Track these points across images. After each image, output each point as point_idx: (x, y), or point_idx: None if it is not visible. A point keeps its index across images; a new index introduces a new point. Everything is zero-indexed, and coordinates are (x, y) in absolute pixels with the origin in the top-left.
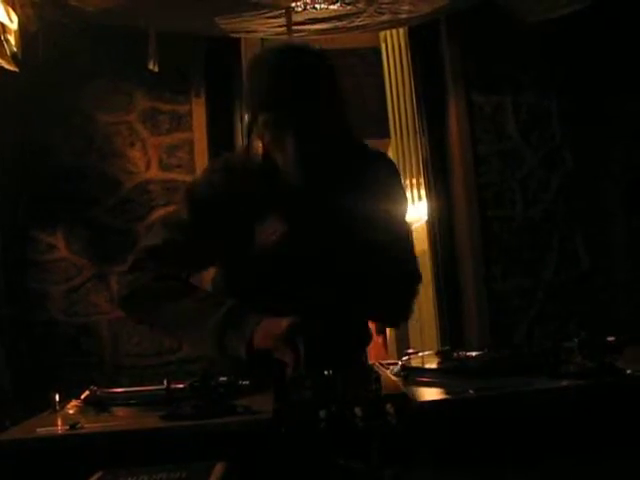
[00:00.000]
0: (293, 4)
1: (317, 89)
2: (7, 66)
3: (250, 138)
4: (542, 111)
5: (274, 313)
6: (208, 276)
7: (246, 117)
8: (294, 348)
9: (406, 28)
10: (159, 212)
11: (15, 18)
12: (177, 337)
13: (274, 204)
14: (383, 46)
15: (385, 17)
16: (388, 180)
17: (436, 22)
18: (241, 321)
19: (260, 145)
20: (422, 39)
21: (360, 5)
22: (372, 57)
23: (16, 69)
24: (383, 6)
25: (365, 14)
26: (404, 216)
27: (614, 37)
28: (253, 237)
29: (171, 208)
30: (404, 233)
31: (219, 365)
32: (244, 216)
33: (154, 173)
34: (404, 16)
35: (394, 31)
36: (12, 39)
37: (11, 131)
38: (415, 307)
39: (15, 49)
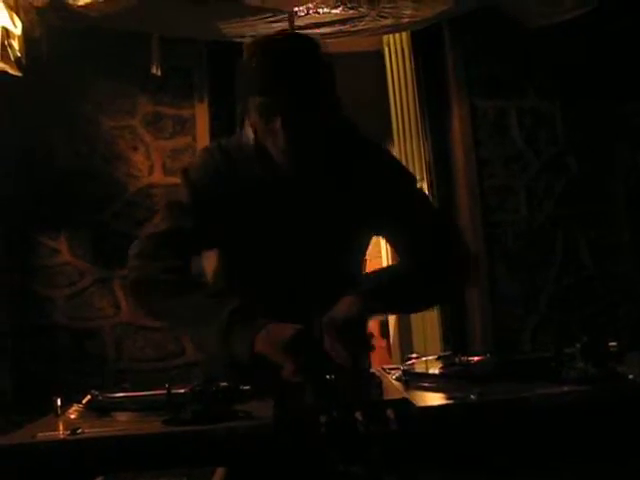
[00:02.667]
0: (296, 8)
1: (310, 75)
2: (11, 71)
3: (242, 123)
4: (546, 115)
5: (274, 308)
6: (209, 268)
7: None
8: (295, 359)
9: (409, 32)
10: None
11: (19, 23)
12: (183, 332)
13: (266, 190)
14: (386, 50)
15: (387, 21)
16: (383, 167)
17: (439, 26)
18: (247, 322)
19: (252, 131)
20: (425, 43)
21: (362, 9)
22: (375, 61)
23: (20, 74)
24: (385, 10)
25: (367, 18)
26: (413, 188)
27: (617, 41)
28: (250, 221)
29: None
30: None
31: (214, 370)
32: (240, 200)
33: (157, 177)
34: (406, 20)
35: (397, 35)
36: (16, 44)
37: (15, 135)
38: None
39: (19, 54)
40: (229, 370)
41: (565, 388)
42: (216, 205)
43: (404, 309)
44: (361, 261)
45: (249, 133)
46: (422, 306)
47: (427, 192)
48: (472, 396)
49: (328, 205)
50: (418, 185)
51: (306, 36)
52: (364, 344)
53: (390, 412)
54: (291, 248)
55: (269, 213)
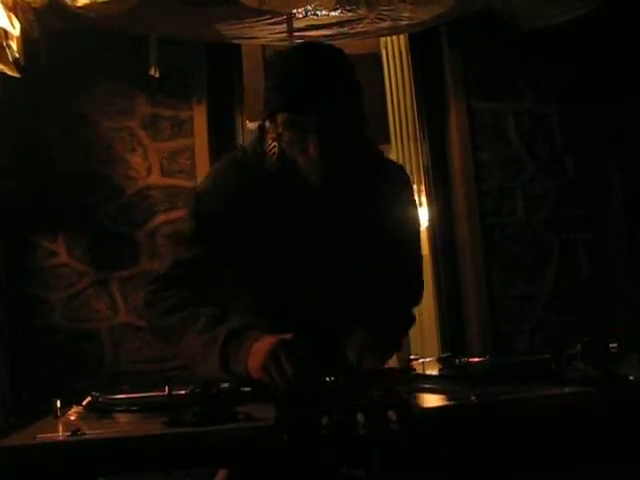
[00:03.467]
0: (294, 10)
1: (344, 92)
2: (9, 72)
3: (264, 136)
4: (543, 118)
5: (282, 320)
6: None
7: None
8: (278, 366)
9: (407, 35)
10: (160, 218)
11: (17, 24)
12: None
13: (290, 204)
14: (384, 52)
15: (386, 24)
16: (403, 195)
17: (437, 29)
18: (239, 346)
19: (274, 144)
20: (423, 45)
21: (361, 12)
22: (372, 63)
23: (18, 75)
24: (384, 13)
25: (366, 20)
26: (416, 232)
27: (615, 44)
28: (268, 237)
29: (172, 214)
30: (413, 250)
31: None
32: (258, 216)
33: (155, 179)
34: (405, 23)
35: (395, 37)
36: (14, 45)
37: (12, 136)
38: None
39: (17, 55)
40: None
41: (566, 389)
42: (228, 230)
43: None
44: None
45: (270, 145)
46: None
47: (424, 197)
48: (473, 397)
49: (350, 218)
50: (417, 228)
51: (337, 48)
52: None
53: (391, 413)
54: (312, 259)
55: (291, 225)
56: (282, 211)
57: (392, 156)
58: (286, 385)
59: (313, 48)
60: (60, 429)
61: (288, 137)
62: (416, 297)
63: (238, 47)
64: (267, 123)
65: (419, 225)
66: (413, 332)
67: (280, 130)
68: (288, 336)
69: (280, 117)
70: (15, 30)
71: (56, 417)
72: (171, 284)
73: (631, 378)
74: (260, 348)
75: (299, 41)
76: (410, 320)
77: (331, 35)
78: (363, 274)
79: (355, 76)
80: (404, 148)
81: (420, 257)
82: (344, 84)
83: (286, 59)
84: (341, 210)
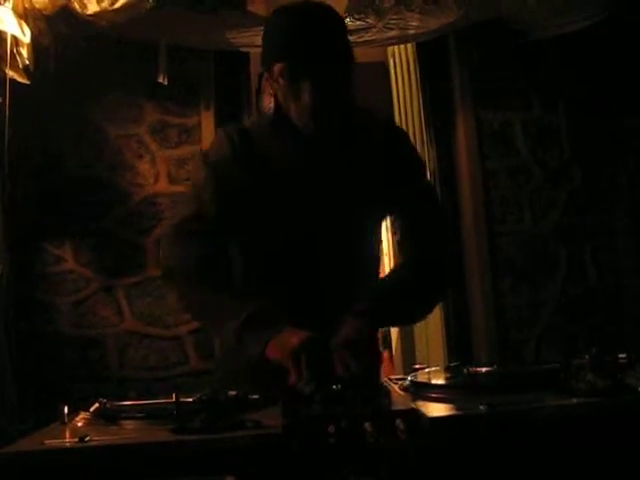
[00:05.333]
0: None
1: (336, 42)
2: (19, 79)
3: (261, 91)
4: (551, 127)
5: (292, 290)
6: None
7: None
8: (300, 366)
9: (414, 43)
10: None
11: (28, 31)
12: (207, 326)
13: (287, 157)
14: (391, 61)
15: (393, 33)
16: (399, 144)
17: (445, 38)
18: (263, 325)
19: (271, 99)
20: (430, 54)
21: (369, 20)
22: (380, 72)
23: (28, 82)
24: (392, 22)
25: (374, 29)
26: (423, 177)
27: (623, 54)
28: (270, 193)
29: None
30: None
31: (231, 369)
32: (260, 174)
33: (163, 186)
34: (412, 32)
35: (402, 46)
36: (25, 52)
37: (21, 142)
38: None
39: (27, 62)
40: (245, 372)
41: (574, 400)
42: (236, 186)
43: (402, 321)
44: (376, 243)
45: (267, 103)
46: (418, 316)
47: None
48: (481, 407)
49: (347, 173)
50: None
51: (327, 4)
52: (376, 359)
53: (399, 423)
54: (311, 215)
55: (290, 179)
56: (281, 165)
57: None
58: (297, 385)
59: (308, 3)
60: (67, 435)
61: (283, 86)
62: (434, 251)
63: (246, 55)
64: (264, 81)
65: (424, 171)
66: (419, 340)
67: (276, 80)
68: (316, 335)
69: (276, 68)
70: (26, 37)
71: (63, 423)
72: (193, 232)
73: None
74: (288, 338)
75: None
76: (434, 278)
77: None
78: (365, 228)
79: (348, 39)
80: None
81: (436, 209)
82: (338, 36)
83: (281, 13)
84: (340, 161)
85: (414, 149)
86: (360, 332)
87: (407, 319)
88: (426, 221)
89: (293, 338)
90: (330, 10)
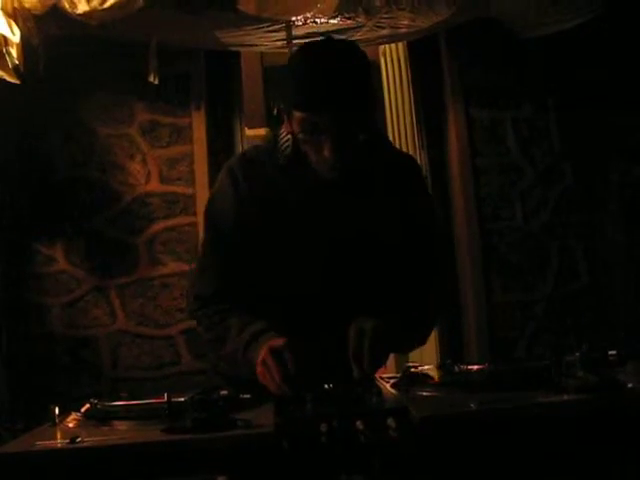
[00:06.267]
0: (293, 18)
1: (362, 96)
2: (9, 78)
3: (280, 120)
4: (541, 125)
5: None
6: None
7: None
8: (270, 369)
9: (405, 42)
10: (159, 225)
11: (17, 31)
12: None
13: (303, 198)
14: (382, 60)
15: (385, 31)
16: (414, 183)
17: (435, 36)
18: (255, 349)
19: (288, 137)
20: (421, 53)
21: (360, 19)
22: (371, 71)
23: (18, 81)
24: (383, 20)
25: (365, 28)
26: (434, 225)
27: (613, 52)
28: (281, 233)
29: (171, 221)
30: (430, 238)
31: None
32: (269, 214)
33: (154, 186)
34: (403, 30)
35: (393, 45)
36: (14, 52)
37: (11, 143)
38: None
39: (17, 62)
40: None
41: (565, 397)
42: (244, 232)
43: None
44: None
45: (284, 137)
46: (413, 346)
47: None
48: (472, 405)
49: (364, 212)
50: (434, 219)
51: (358, 48)
52: (387, 355)
53: (391, 421)
54: (327, 254)
55: (304, 219)
56: (294, 205)
57: None
58: (276, 389)
59: (332, 46)
60: (58, 436)
61: (303, 137)
62: (439, 284)
63: (237, 54)
64: (284, 115)
65: (434, 211)
66: None
67: (296, 128)
68: (280, 341)
69: (296, 115)
70: (15, 37)
71: (54, 424)
72: (208, 302)
73: (630, 385)
74: (260, 353)
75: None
76: (435, 308)
77: None
78: (380, 268)
79: (370, 76)
80: None
81: (439, 244)
82: (360, 86)
83: (305, 57)
84: (355, 203)
85: (427, 193)
86: (379, 323)
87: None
88: (427, 264)
89: (262, 350)
90: (356, 56)
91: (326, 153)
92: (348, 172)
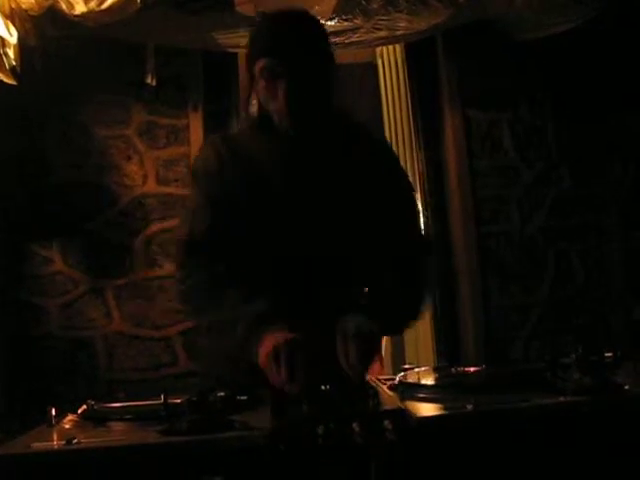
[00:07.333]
0: None
1: (315, 44)
2: (6, 80)
3: (250, 96)
4: (538, 127)
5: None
6: None
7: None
8: (278, 368)
9: (402, 44)
10: (156, 226)
11: (14, 32)
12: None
13: (270, 158)
14: (379, 62)
15: (382, 33)
16: (384, 156)
17: (433, 38)
18: (258, 335)
19: (254, 101)
20: (419, 55)
21: (357, 21)
22: (368, 73)
23: (15, 83)
24: (380, 22)
25: (362, 30)
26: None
27: (611, 53)
28: (258, 194)
29: (168, 223)
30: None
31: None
32: (246, 178)
33: (151, 187)
34: (400, 32)
35: (390, 47)
36: (11, 53)
37: (8, 144)
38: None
39: (14, 63)
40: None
41: (561, 398)
42: (225, 197)
43: (392, 329)
44: (365, 242)
45: (253, 108)
46: (404, 324)
47: (420, 202)
48: (468, 406)
49: (329, 173)
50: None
51: (310, 13)
52: (376, 353)
53: (388, 423)
54: (298, 215)
55: (274, 180)
56: (265, 166)
57: None
58: (281, 386)
59: (291, 11)
60: (55, 438)
61: (263, 87)
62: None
63: (234, 55)
64: (252, 85)
65: (407, 183)
66: (408, 341)
67: (258, 80)
68: (296, 335)
69: (257, 67)
70: (12, 38)
71: (51, 425)
72: (201, 257)
73: (626, 387)
74: (268, 344)
75: None
76: (415, 284)
77: None
78: (359, 234)
79: (326, 39)
80: (400, 156)
81: (413, 213)
82: (316, 40)
83: (264, 18)
84: (320, 160)
85: (398, 160)
86: (365, 322)
87: (396, 325)
88: (401, 228)
89: (270, 342)
90: (311, 17)
91: (281, 95)
92: (307, 126)
